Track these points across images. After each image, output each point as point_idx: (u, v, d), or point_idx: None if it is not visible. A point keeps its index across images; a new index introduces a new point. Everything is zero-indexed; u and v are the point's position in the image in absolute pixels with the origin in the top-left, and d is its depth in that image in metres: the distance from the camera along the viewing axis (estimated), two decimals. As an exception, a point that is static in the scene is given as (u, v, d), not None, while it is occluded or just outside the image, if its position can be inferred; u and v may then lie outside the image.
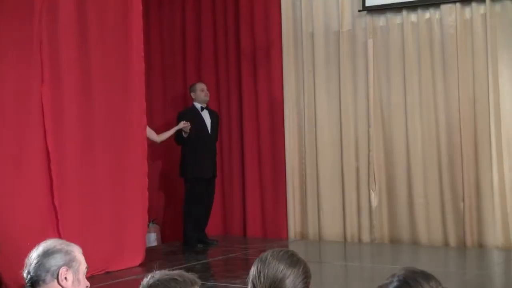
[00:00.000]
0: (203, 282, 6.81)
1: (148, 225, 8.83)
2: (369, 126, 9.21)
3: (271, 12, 9.79)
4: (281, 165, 9.69)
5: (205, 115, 9.33)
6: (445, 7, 8.80)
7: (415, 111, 8.99)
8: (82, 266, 3.15)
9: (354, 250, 9.19)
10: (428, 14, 8.94)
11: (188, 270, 7.44)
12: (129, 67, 8.03)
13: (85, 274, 3.17)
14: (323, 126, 9.46)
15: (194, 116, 9.23)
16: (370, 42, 9.25)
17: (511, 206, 8.40)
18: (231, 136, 9.92)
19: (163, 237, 9.79)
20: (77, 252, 3.15)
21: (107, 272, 7.48)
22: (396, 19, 9.15)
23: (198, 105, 9.31)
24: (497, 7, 8.56)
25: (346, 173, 9.34)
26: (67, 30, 7.36)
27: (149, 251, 8.43)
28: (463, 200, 8.63)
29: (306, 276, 2.73)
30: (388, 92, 9.17)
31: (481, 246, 8.51)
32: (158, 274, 2.64)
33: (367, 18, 9.29)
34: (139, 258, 7.92)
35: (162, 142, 9.24)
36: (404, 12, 9.04)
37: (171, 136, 9.24)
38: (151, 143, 9.18)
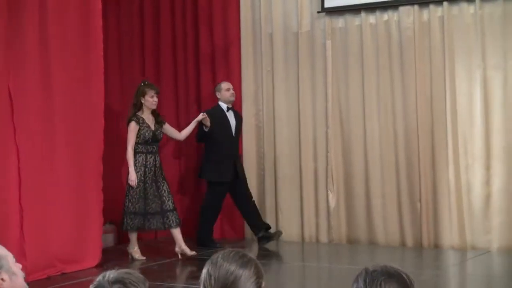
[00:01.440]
0: (160, 283, 6.84)
1: (105, 226, 8.79)
2: (327, 127, 9.25)
3: (230, 12, 9.79)
4: (240, 165, 9.70)
5: (230, 116, 9.14)
6: (403, 9, 8.86)
7: (373, 112, 9.05)
8: (10, 257, 3.09)
9: (312, 251, 9.24)
10: (386, 16, 9.01)
11: (145, 270, 7.43)
12: (88, 67, 8.02)
13: (14, 262, 3.11)
14: (281, 126, 9.49)
15: (218, 116, 9.04)
16: (328, 43, 9.28)
17: (467, 207, 8.50)
18: (190, 136, 9.88)
19: (121, 238, 9.73)
20: None
21: (63, 273, 7.45)
22: (354, 20, 9.19)
23: (223, 105, 9.11)
24: (454, 9, 8.65)
25: (304, 173, 9.37)
26: (29, 30, 7.37)
27: (106, 251, 8.39)
28: (420, 200, 8.71)
29: (258, 276, 2.71)
30: (346, 93, 9.22)
31: (437, 246, 8.60)
32: (112, 273, 2.61)
33: (326, 19, 9.31)
34: (96, 259, 7.89)
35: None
36: (363, 14, 9.09)
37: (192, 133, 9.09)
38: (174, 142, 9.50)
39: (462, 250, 8.43)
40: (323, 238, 9.27)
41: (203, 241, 8.99)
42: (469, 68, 8.56)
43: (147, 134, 8.42)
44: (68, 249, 7.61)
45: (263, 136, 9.65)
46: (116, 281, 2.54)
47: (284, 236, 9.37)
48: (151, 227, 8.52)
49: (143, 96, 8.44)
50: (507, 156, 8.34)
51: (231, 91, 9.11)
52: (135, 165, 8.33)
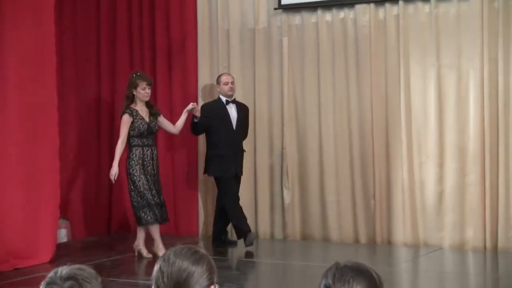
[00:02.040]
0: (114, 279, 6.82)
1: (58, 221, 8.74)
2: (283, 124, 9.29)
3: (187, 8, 9.78)
4: (194, 161, 9.69)
5: (231, 109, 8.85)
6: (359, 7, 8.95)
7: (329, 110, 9.13)
8: None
9: (267, 247, 9.26)
10: (342, 13, 9.08)
11: (98, 266, 7.38)
12: (41, 62, 7.95)
13: None
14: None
15: (217, 110, 8.79)
16: (285, 40, 9.32)
17: (420, 204, 8.61)
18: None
19: (74, 233, 9.68)
20: None
21: (16, 269, 7.40)
22: (311, 18, 9.24)
23: (223, 98, 8.86)
24: (410, 8, 8.76)
25: (259, 169, 9.40)
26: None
27: (59, 247, 8.36)
28: (374, 197, 8.81)
29: (211, 272, 2.71)
30: (302, 90, 9.29)
31: (390, 243, 8.70)
32: (65, 269, 2.57)
33: (282, 16, 9.36)
34: (49, 255, 7.85)
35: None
36: (319, 11, 9.15)
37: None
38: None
39: (415, 247, 8.55)
40: (278, 234, 9.33)
41: (214, 237, 8.95)
42: (424, 67, 8.69)
43: (141, 126, 8.15)
44: (21, 245, 7.57)
45: (219, 132, 9.66)
46: (68, 277, 2.51)
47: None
48: (166, 219, 8.32)
49: (135, 88, 8.17)
50: (459, 154, 8.47)
51: (230, 85, 8.86)
52: (132, 159, 8.09)
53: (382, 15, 8.89)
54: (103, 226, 10.00)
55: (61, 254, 8.05)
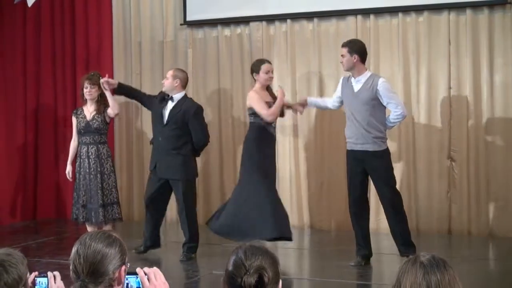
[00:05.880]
0: (39, 259, 7.70)
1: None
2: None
3: (103, 22, 10.55)
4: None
5: (166, 107, 7.99)
6: (253, 25, 9.83)
7: (227, 112, 10.02)
8: None
9: (127, 229, 9.59)
10: (239, 29, 9.96)
11: (25, 248, 8.01)
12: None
13: None
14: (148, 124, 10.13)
15: (158, 104, 8.09)
16: (190, 52, 10.14)
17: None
18: (66, 139, 9.95)
19: (2, 220, 10.09)
20: None
21: None
22: (212, 32, 10.07)
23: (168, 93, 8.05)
24: (296, 26, 9.66)
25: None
26: None
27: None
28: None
29: (123, 254, 2.90)
30: (205, 95, 10.10)
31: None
32: None
33: (187, 31, 10.17)
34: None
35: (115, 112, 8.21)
36: (219, 27, 10.01)
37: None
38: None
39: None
40: (137, 217, 10.28)
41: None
42: (308, 75, 9.60)
43: (78, 125, 8.10)
44: None
45: (133, 134, 10.51)
46: None
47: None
48: (89, 220, 8.05)
49: (82, 88, 8.16)
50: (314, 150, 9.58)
51: (166, 77, 8.15)
52: (78, 156, 8.15)
53: (272, 31, 9.77)
54: (29, 212, 10.57)
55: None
